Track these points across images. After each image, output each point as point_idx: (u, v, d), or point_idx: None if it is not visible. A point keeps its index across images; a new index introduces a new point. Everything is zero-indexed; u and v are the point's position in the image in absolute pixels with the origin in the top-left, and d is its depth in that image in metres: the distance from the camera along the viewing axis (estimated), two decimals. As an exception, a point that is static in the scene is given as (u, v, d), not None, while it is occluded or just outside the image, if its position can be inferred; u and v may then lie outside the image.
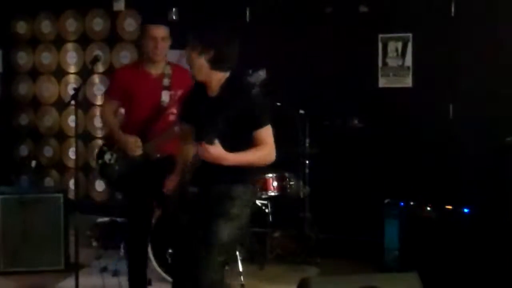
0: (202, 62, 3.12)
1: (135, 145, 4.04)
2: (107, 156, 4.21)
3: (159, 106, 4.10)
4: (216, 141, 2.95)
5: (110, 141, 4.29)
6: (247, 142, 3.06)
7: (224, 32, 3.27)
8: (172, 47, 6.61)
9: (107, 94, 4.38)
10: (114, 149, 4.20)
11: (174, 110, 4.11)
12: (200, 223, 3.14)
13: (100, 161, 4.23)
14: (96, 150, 4.37)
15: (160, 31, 4.08)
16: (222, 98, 3.07)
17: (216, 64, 3.13)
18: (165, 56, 4.18)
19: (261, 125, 3.06)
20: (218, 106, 2.96)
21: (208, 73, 3.15)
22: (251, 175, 3.24)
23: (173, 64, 4.26)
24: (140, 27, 4.05)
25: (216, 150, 2.95)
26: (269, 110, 3.14)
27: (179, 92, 4.10)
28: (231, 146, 2.98)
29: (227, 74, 3.18)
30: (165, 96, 4.11)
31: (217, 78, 3.17)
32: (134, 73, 4.14)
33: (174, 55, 6.60)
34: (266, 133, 3.08)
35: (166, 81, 4.13)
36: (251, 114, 3.02)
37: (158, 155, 4.10)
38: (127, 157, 4.09)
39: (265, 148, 3.07)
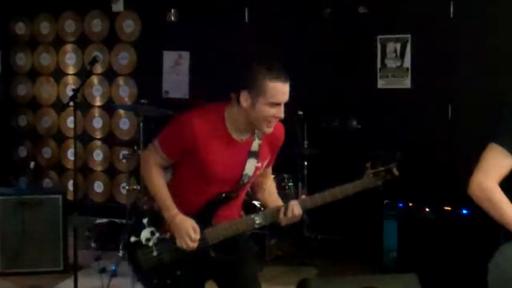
0: None
1: (191, 235, 2.69)
2: (145, 234, 2.82)
3: (239, 182, 2.78)
4: None
5: (155, 213, 2.86)
6: None
7: None
8: (171, 48, 6.72)
9: (161, 144, 2.78)
10: (159, 227, 2.82)
11: (249, 184, 2.89)
12: None
13: (133, 238, 2.84)
14: (133, 221, 3.00)
15: (287, 91, 2.71)
16: None
17: None
18: None
19: None
20: None
21: None
22: None
23: None
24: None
25: None
26: None
27: (266, 162, 2.86)
28: None
29: None
30: (250, 168, 2.76)
31: None
32: (215, 133, 2.68)
33: (172, 57, 6.68)
34: None
35: (255, 145, 2.77)
36: None
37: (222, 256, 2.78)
38: (174, 244, 2.75)
39: None
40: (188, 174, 2.78)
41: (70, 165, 7.18)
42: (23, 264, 4.98)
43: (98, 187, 7.10)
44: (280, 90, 2.64)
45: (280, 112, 2.65)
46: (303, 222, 5.49)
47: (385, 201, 5.11)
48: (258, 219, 2.74)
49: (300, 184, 5.42)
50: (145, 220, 2.84)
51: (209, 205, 2.75)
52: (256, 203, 5.36)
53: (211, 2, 6.34)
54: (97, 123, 7.06)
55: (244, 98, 2.63)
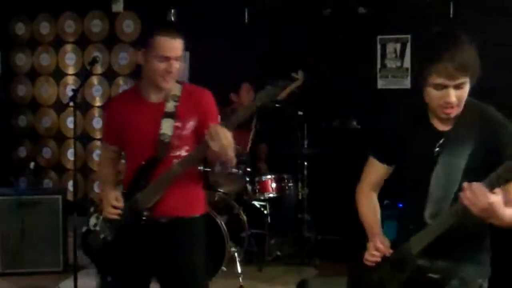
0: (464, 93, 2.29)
1: (112, 203, 2.81)
2: (92, 220, 2.97)
3: (159, 141, 2.80)
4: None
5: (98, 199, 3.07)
6: None
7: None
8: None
9: (102, 135, 3.12)
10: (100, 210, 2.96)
11: (184, 151, 2.83)
12: None
13: (84, 228, 2.99)
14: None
15: (177, 47, 2.77)
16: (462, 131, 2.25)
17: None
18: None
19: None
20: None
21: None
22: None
23: (186, 83, 2.98)
24: (144, 35, 2.87)
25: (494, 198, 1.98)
26: None
27: (190, 124, 2.83)
28: None
29: None
30: (167, 128, 2.80)
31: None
32: (128, 102, 2.90)
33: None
34: None
35: (169, 106, 2.83)
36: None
37: (164, 220, 2.82)
38: (113, 221, 2.86)
39: None
40: (125, 152, 2.99)
41: (70, 165, 7.18)
42: (23, 264, 4.98)
43: (98, 187, 7.10)
44: (168, 44, 2.74)
45: (171, 66, 2.75)
46: (303, 222, 5.50)
47: (385, 201, 5.10)
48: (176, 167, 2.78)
49: (300, 184, 5.42)
50: (92, 208, 3.01)
51: (139, 171, 2.84)
52: (256, 203, 5.37)
53: (211, 2, 6.34)
54: (97, 123, 7.06)
55: (140, 56, 2.82)
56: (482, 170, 2.07)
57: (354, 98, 5.82)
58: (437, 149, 2.27)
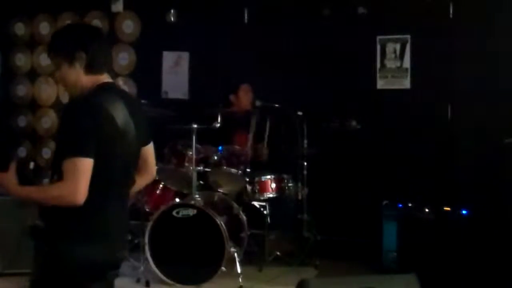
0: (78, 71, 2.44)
1: None
2: None
3: None
4: (12, 165, 2.49)
5: None
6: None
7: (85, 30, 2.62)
8: (170, 49, 6.71)
9: None
10: None
11: None
12: None
13: None
14: None
15: None
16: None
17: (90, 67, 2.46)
18: None
19: (64, 155, 2.33)
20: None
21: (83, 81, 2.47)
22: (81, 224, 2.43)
23: None
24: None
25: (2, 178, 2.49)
26: (83, 138, 2.31)
27: None
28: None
29: (101, 79, 2.47)
30: None
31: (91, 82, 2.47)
32: None
33: (172, 57, 6.68)
34: (67, 167, 2.31)
35: None
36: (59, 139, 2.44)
37: None
38: None
39: (59, 185, 2.40)
40: None
41: (69, 166, 7.16)
42: (23, 264, 4.97)
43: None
44: None
45: None
46: (303, 222, 5.49)
47: (385, 202, 5.11)
48: None
49: (300, 184, 5.41)
50: None
51: None
52: (256, 204, 5.37)
53: (211, 3, 6.34)
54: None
55: None
56: None
57: (354, 98, 5.82)
58: None
